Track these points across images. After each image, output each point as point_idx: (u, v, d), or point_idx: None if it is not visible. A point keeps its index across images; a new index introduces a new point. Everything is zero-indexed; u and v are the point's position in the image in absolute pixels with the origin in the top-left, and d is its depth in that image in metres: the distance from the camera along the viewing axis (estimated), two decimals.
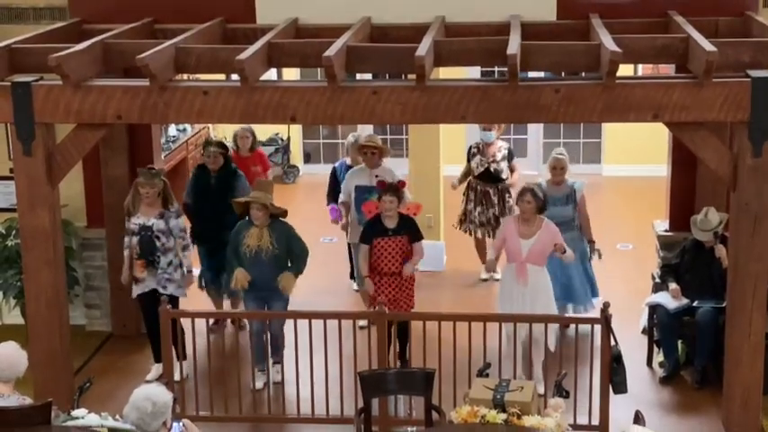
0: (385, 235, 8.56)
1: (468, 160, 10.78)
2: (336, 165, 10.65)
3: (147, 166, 8.92)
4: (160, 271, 8.66)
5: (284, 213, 8.64)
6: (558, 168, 9.38)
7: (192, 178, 9.91)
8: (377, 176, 9.33)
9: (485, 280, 10.95)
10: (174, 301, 8.60)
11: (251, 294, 8.62)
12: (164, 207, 8.70)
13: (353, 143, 10.32)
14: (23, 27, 8.77)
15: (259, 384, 8.50)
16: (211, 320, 9.47)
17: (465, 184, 10.87)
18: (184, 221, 9.01)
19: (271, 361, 8.60)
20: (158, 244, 8.64)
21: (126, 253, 8.82)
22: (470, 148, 10.85)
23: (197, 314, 8.42)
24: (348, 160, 10.44)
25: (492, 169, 10.56)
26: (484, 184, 10.64)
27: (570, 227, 9.28)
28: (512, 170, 10.70)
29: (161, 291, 8.59)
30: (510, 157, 10.74)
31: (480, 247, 10.96)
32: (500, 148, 10.71)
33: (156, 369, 8.81)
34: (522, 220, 8.43)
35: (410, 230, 8.65)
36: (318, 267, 9.71)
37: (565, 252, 8.38)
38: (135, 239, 8.67)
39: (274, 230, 8.46)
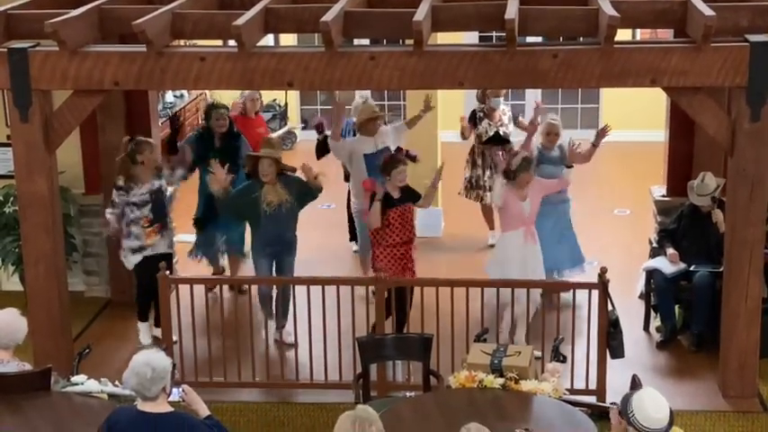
0: (393, 205, 8.56)
1: (475, 125, 10.76)
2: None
3: (135, 137, 8.91)
4: (170, 231, 8.87)
5: (293, 170, 8.73)
6: (552, 134, 9.42)
7: (194, 139, 9.79)
8: (378, 146, 9.33)
9: (492, 246, 10.96)
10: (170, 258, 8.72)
11: (266, 251, 8.69)
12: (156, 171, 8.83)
13: (364, 105, 10.03)
14: None
15: (278, 335, 8.67)
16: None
17: (468, 151, 10.88)
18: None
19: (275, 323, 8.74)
20: (166, 202, 8.82)
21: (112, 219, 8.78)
22: (475, 112, 10.82)
23: (196, 280, 8.43)
24: (355, 119, 10.37)
25: (501, 133, 10.57)
26: (492, 148, 10.63)
27: (562, 191, 9.29)
28: (522, 126, 10.64)
29: (170, 251, 8.80)
30: (514, 118, 10.73)
31: (487, 213, 10.96)
32: (503, 111, 10.74)
33: (144, 330, 8.92)
34: (520, 187, 8.45)
35: (411, 195, 8.65)
36: (317, 234, 9.71)
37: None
38: (147, 209, 8.67)
39: (286, 184, 8.56)
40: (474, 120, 10.77)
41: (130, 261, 8.83)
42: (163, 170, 8.81)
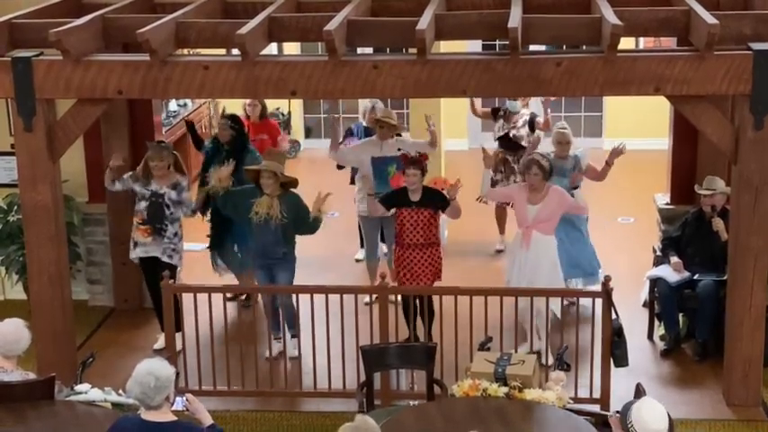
0: (408, 206, 8.57)
1: (494, 117, 10.83)
2: (353, 127, 10.67)
3: (156, 140, 9.07)
4: (166, 240, 8.75)
5: (295, 182, 8.68)
6: (563, 143, 9.41)
7: (208, 149, 9.85)
8: (399, 149, 9.40)
9: (500, 251, 10.96)
10: (174, 270, 8.72)
11: (258, 262, 8.73)
12: (180, 174, 8.84)
13: (371, 110, 10.32)
14: (23, 1, 8.74)
15: (273, 352, 8.54)
16: (231, 295, 9.53)
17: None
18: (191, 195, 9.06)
19: (288, 335, 8.69)
20: (167, 212, 8.73)
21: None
22: (499, 108, 10.86)
23: (199, 288, 8.43)
24: (365, 122, 10.46)
25: (511, 135, 10.56)
26: (504, 151, 10.64)
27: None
28: (535, 126, 10.67)
29: (166, 260, 8.73)
30: (531, 123, 10.70)
31: (500, 217, 10.96)
32: (522, 115, 10.73)
33: (164, 338, 8.90)
34: (531, 190, 8.47)
35: (434, 202, 8.61)
36: (321, 242, 9.69)
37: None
38: (144, 204, 8.74)
39: (284, 201, 8.50)
40: (495, 115, 10.82)
41: (132, 254, 8.96)
42: (178, 186, 8.76)
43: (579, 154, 9.49)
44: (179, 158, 8.96)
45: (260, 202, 8.49)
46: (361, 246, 10.67)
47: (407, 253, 8.63)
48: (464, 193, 10.91)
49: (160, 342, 8.81)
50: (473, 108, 11.04)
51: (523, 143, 10.55)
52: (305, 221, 8.53)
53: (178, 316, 8.25)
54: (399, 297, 8.54)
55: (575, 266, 9.31)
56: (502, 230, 11.06)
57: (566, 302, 8.87)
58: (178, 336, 8.38)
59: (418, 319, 8.54)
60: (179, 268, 8.96)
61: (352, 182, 10.43)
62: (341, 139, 10.22)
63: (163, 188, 8.73)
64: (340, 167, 10.52)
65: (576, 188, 8.65)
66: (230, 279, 9.79)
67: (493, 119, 10.88)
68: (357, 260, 10.79)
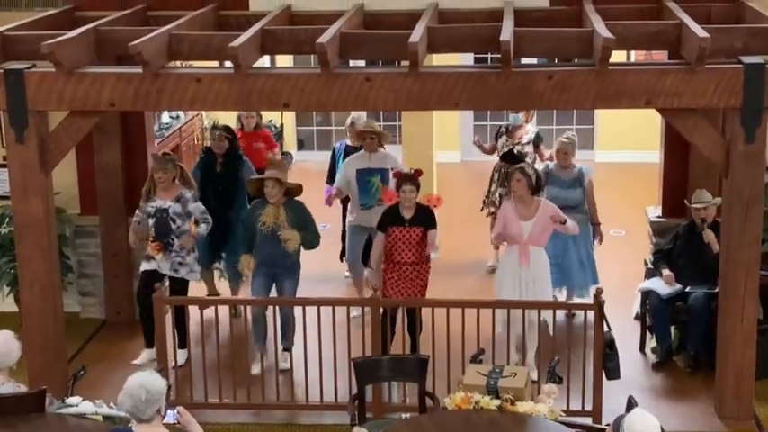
0: (401, 224, 8.54)
1: (496, 140, 10.83)
2: (336, 145, 10.70)
3: (161, 153, 9.07)
4: (173, 254, 8.69)
5: (299, 188, 8.70)
6: (561, 152, 9.46)
7: (198, 161, 9.93)
8: (393, 169, 9.36)
9: (491, 267, 10.95)
10: (184, 284, 8.71)
11: (261, 270, 8.65)
12: (185, 187, 8.79)
13: (351, 125, 10.39)
14: (16, 14, 8.75)
15: (256, 370, 8.52)
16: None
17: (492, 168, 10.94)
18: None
19: (281, 347, 8.66)
20: (173, 227, 8.68)
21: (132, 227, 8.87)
22: (500, 127, 10.90)
23: (191, 300, 8.43)
24: (348, 141, 10.48)
25: (515, 151, 10.57)
26: (508, 166, 10.66)
27: (578, 210, 9.32)
28: (540, 155, 10.70)
29: (172, 274, 8.67)
30: (537, 141, 10.74)
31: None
32: (527, 131, 10.76)
33: (147, 354, 8.83)
34: (519, 202, 8.45)
35: (426, 221, 8.58)
36: (312, 254, 9.67)
37: (565, 222, 8.41)
38: (151, 222, 8.70)
39: (290, 209, 8.53)
40: (497, 134, 10.84)
41: (142, 266, 8.87)
42: (181, 199, 8.70)
43: (585, 170, 9.51)
44: (185, 171, 8.92)
45: (266, 213, 8.52)
46: (342, 255, 10.65)
47: (396, 268, 8.60)
48: (456, 207, 11.00)
49: (142, 357, 8.79)
50: (483, 150, 11.08)
51: (528, 160, 10.56)
52: (307, 233, 8.57)
53: (185, 331, 8.26)
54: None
55: (566, 276, 9.35)
56: (496, 247, 11.04)
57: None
58: (183, 352, 8.43)
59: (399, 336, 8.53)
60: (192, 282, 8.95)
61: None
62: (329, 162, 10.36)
63: (167, 202, 8.68)
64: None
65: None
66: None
67: (495, 141, 10.90)
68: (346, 277, 10.73)
